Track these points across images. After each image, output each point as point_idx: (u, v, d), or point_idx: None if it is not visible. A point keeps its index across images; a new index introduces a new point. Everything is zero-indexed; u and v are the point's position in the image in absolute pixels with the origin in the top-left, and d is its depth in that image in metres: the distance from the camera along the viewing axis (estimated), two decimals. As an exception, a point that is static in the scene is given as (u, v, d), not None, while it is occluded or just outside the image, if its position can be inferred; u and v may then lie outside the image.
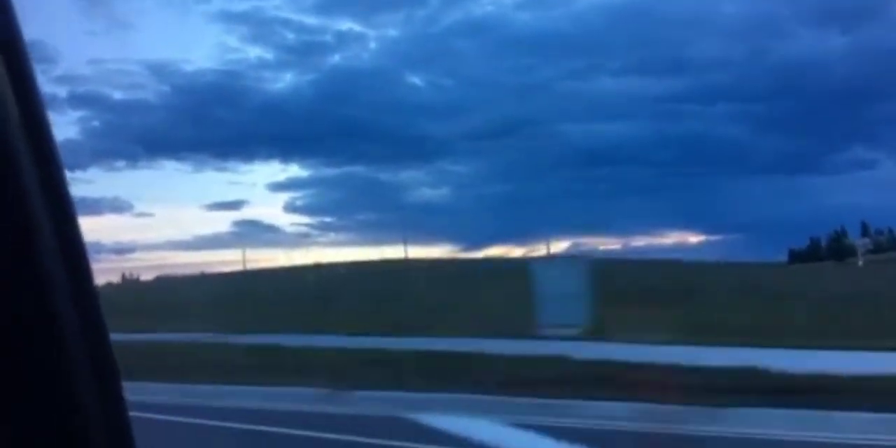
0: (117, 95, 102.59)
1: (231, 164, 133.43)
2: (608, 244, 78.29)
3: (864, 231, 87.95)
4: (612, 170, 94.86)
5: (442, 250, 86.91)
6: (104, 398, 1.02)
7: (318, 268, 59.93)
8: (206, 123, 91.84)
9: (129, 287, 59.48)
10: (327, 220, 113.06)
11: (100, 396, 1.02)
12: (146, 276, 68.82)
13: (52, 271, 0.98)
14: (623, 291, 27.30)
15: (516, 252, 72.16)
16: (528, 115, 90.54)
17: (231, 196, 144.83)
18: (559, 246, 69.18)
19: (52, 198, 1.02)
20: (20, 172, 0.98)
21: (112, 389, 1.05)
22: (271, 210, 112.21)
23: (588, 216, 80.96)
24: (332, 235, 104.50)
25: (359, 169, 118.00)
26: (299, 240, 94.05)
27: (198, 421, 11.12)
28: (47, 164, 1.03)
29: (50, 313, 0.97)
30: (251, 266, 65.68)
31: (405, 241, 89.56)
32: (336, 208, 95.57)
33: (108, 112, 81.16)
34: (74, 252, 1.03)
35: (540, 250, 61.00)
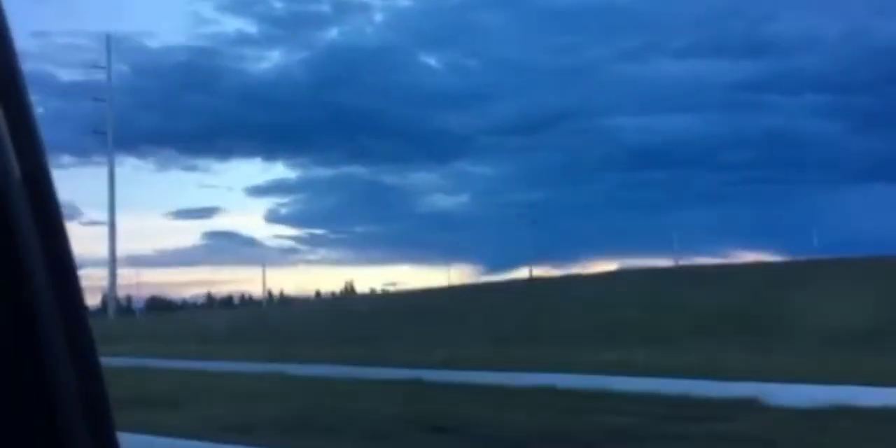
0: (65, 76, 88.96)
1: (202, 162, 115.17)
2: (661, 266, 60.57)
3: None
4: (670, 174, 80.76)
5: (459, 273, 76.13)
6: (93, 426, 0.97)
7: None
8: (173, 112, 77.59)
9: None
10: (318, 232, 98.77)
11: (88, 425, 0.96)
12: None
13: (39, 289, 0.92)
14: None
15: (553, 274, 60.87)
16: (568, 105, 76.87)
17: (202, 202, 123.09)
18: (603, 267, 59.91)
19: (38, 207, 0.96)
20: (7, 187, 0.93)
21: (101, 414, 0.99)
22: (250, 219, 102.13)
23: (639, 231, 67.05)
24: (323, 252, 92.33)
25: (358, 170, 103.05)
26: (283, 256, 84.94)
27: None
28: (34, 171, 0.98)
29: (37, 338, 0.91)
30: (231, 288, 59.19)
31: (447, 262, 75.10)
32: (329, 218, 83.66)
33: (53, 96, 65.32)
34: (63, 268, 0.96)
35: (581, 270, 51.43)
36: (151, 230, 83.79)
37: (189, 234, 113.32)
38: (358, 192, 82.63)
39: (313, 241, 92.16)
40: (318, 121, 79.24)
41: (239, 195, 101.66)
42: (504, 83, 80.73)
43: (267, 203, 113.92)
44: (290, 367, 18.12)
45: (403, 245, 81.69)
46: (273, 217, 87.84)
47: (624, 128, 76.47)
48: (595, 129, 77.67)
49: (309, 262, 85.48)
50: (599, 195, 78.90)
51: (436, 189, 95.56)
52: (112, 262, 54.55)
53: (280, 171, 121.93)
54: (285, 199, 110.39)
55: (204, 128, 76.25)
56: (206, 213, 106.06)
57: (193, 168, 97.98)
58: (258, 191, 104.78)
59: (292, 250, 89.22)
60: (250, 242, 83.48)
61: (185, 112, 77.59)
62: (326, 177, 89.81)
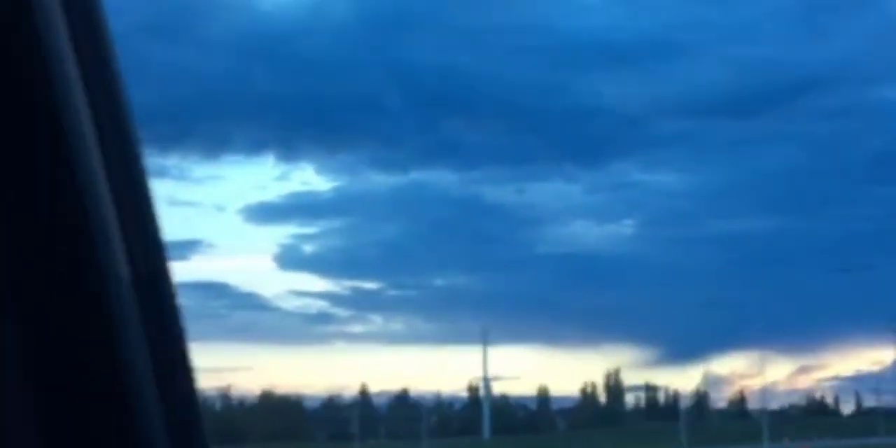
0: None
1: (176, 161, 72.13)
2: None
3: None
4: None
5: (609, 360, 54.78)
6: None
7: None
8: (127, 73, 56.50)
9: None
10: (369, 286, 61.03)
11: None
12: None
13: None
14: None
15: (781, 373, 40.39)
16: (822, 64, 46.46)
17: (174, 231, 78.70)
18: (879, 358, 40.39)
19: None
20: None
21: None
22: (253, 262, 64.88)
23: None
24: (378, 321, 59.19)
25: (441, 176, 57.80)
26: (306, 327, 53.70)
27: None
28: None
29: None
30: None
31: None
32: (389, 263, 52.44)
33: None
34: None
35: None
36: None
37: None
38: (439, 216, 53.28)
39: (360, 302, 59.58)
40: (373, 90, 48.52)
41: (235, 220, 70.66)
42: (706, 23, 47.79)
43: (281, 234, 74.44)
44: None
45: (516, 310, 54.83)
46: (291, 259, 55.02)
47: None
48: (869, 107, 49.85)
49: (352, 338, 54.79)
50: (867, 222, 49.95)
51: (576, 212, 61.15)
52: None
53: (306, 177, 74.88)
54: (313, 228, 73.37)
55: (180, 102, 47.92)
56: (180, 249, 73.33)
57: (162, 172, 65.63)
58: (268, 212, 68.80)
59: (322, 317, 57.09)
60: (252, 302, 57.23)
61: (149, 74, 49.11)
62: (386, 188, 56.78)
